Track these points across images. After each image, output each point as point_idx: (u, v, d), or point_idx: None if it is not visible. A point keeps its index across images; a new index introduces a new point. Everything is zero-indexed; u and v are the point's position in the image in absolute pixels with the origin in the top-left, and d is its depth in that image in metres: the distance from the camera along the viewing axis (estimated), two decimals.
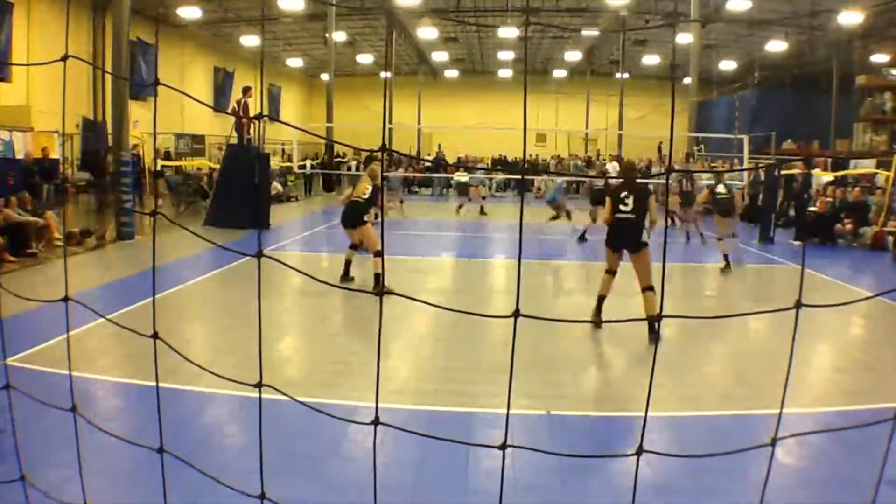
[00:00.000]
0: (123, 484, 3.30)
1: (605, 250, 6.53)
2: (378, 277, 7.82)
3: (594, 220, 12.13)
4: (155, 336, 1.55)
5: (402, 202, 17.41)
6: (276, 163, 22.13)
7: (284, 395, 1.64)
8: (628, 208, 6.30)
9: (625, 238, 6.31)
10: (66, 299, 1.65)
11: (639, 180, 8.26)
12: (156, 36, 23.28)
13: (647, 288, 6.12)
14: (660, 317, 1.33)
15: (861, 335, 6.79)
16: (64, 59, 1.56)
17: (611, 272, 6.44)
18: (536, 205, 15.06)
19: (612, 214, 6.36)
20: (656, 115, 31.19)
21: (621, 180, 6.97)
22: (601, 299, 6.37)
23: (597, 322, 6.22)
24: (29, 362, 4.91)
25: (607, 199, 6.58)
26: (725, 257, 9.82)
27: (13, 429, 2.15)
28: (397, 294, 1.39)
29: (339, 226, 8.33)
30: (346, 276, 8.13)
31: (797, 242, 13.11)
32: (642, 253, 6.23)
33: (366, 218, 7.99)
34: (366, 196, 7.96)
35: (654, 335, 5.81)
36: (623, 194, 6.33)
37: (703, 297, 8.63)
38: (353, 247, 8.23)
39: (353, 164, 23.67)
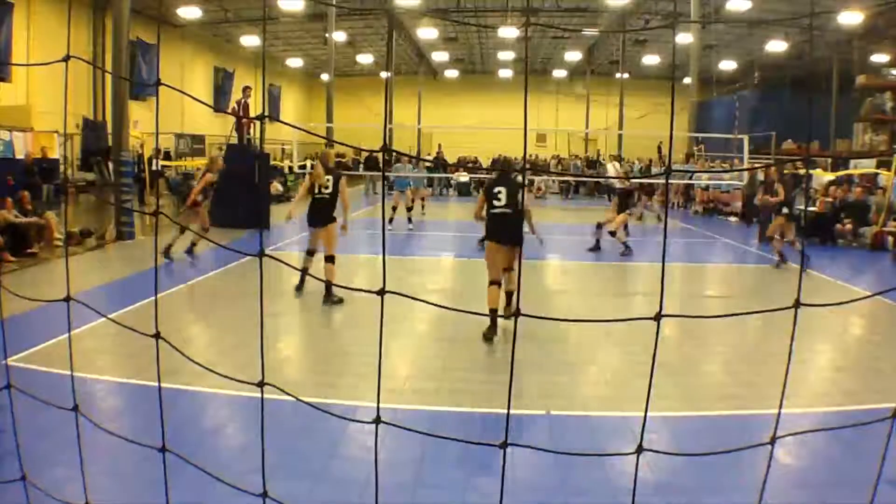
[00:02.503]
0: (125, 483, 3.31)
1: (488, 246, 6.33)
2: (328, 286, 7.17)
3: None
4: (157, 336, 1.55)
5: (423, 199, 16.16)
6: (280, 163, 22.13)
7: (288, 394, 1.64)
8: (501, 203, 6.21)
9: (506, 232, 6.17)
10: (67, 299, 1.65)
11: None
12: (157, 36, 23.27)
13: (509, 269, 6.24)
14: (660, 316, 1.34)
15: (861, 335, 6.80)
16: (66, 59, 1.57)
17: (496, 283, 6.19)
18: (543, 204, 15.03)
19: (487, 210, 6.27)
20: (656, 115, 31.21)
21: (495, 176, 6.80)
22: (494, 313, 6.04)
23: (492, 335, 5.96)
24: (29, 362, 4.92)
25: (480, 195, 6.51)
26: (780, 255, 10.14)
27: (14, 429, 2.16)
28: (399, 293, 1.40)
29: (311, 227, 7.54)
30: (300, 286, 7.51)
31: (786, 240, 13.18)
32: (519, 248, 6.17)
33: (334, 214, 7.37)
34: (329, 190, 7.25)
35: (516, 312, 5.76)
36: (496, 189, 6.25)
37: (703, 296, 8.64)
38: (311, 252, 7.54)
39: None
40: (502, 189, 6.25)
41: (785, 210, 10.00)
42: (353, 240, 9.60)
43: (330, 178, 7.25)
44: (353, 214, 10.87)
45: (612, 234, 11.02)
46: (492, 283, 6.19)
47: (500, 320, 6.18)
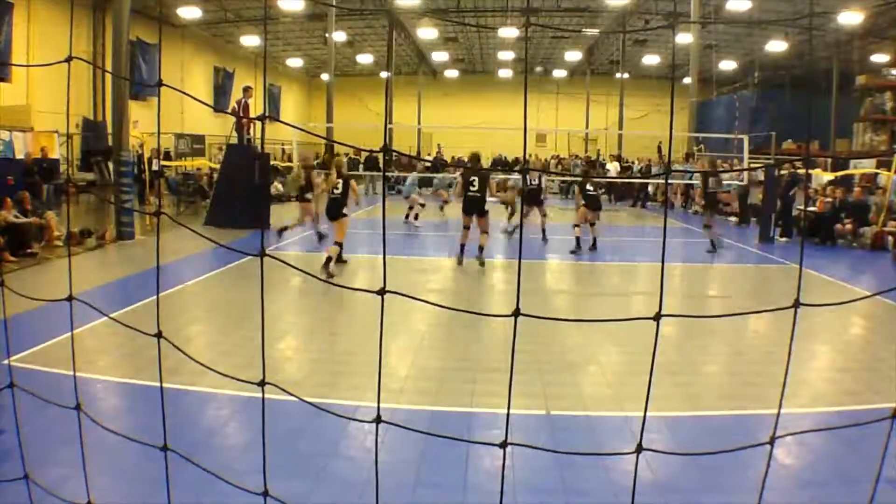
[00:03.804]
0: (126, 481, 3.31)
1: (461, 215, 9.72)
2: (328, 260, 8.74)
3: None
4: (158, 335, 1.56)
5: (446, 202, 16.60)
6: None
7: (289, 393, 1.65)
8: (475, 188, 9.48)
9: (474, 207, 9.49)
10: (69, 299, 1.66)
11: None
12: (159, 36, 23.25)
13: (484, 232, 9.62)
14: (659, 316, 1.34)
15: (861, 335, 6.80)
16: (68, 59, 1.57)
17: (466, 227, 9.66)
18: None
19: (465, 192, 9.55)
20: (656, 114, 31.21)
21: (471, 169, 10.22)
22: (462, 247, 9.60)
23: (460, 261, 9.59)
24: (30, 362, 4.92)
25: (459, 181, 10.03)
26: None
27: (17, 428, 2.16)
28: (399, 293, 1.40)
29: (326, 223, 9.70)
30: (340, 260, 9.21)
31: (783, 239, 13.26)
32: (485, 217, 9.59)
33: (344, 211, 9.08)
34: (339, 191, 9.04)
35: (480, 260, 9.48)
36: (471, 178, 9.53)
37: (703, 296, 8.64)
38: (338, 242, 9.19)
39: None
40: (475, 179, 9.53)
41: (583, 202, 11.55)
42: (353, 240, 9.64)
43: (340, 181, 9.08)
44: (353, 214, 11.01)
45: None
46: (465, 227, 9.68)
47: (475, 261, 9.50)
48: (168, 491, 1.68)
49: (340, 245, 9.07)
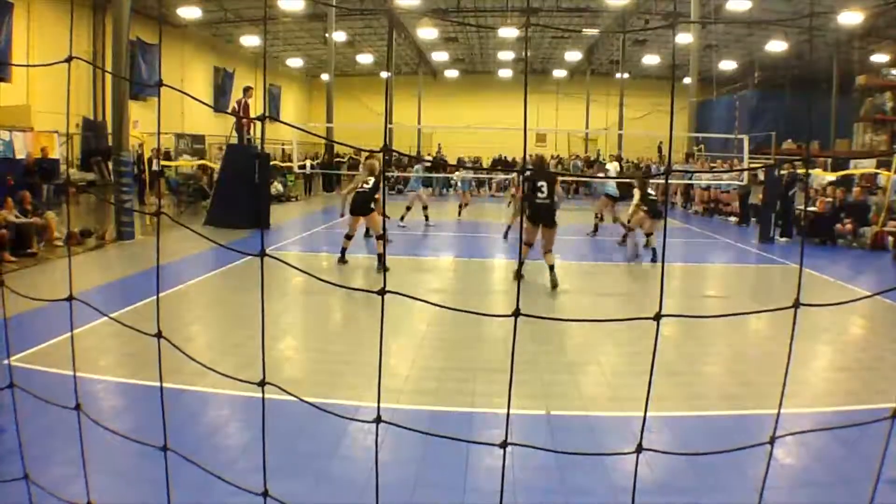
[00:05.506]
0: (126, 482, 3.31)
1: (526, 225, 8.04)
2: (381, 257, 9.06)
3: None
4: (158, 335, 1.56)
5: (466, 204, 16.47)
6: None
7: (289, 393, 1.65)
8: (544, 195, 8.02)
9: (542, 217, 8.03)
10: (69, 298, 1.66)
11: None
12: (159, 36, 23.25)
13: (548, 251, 8.21)
14: (659, 316, 1.34)
15: (861, 335, 6.80)
16: (68, 59, 1.57)
17: (529, 244, 8.28)
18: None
19: (531, 200, 8.00)
20: (656, 114, 31.22)
21: (534, 171, 8.85)
22: (521, 263, 8.99)
23: (517, 276, 8.47)
24: (30, 362, 4.92)
25: (525, 185, 8.13)
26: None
27: (17, 428, 2.16)
28: (399, 293, 1.40)
29: (349, 217, 9.60)
30: (342, 259, 9.49)
31: (783, 239, 13.27)
32: (554, 229, 8.18)
33: (372, 206, 9.20)
34: (369, 186, 9.22)
35: (553, 282, 8.06)
36: (539, 184, 8.01)
37: (703, 296, 8.64)
38: (349, 237, 9.51)
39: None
40: (543, 184, 8.00)
41: (644, 207, 10.53)
42: (354, 239, 9.67)
43: (371, 178, 9.26)
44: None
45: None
46: (527, 244, 8.25)
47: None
48: (168, 491, 1.68)
49: (382, 237, 9.25)
